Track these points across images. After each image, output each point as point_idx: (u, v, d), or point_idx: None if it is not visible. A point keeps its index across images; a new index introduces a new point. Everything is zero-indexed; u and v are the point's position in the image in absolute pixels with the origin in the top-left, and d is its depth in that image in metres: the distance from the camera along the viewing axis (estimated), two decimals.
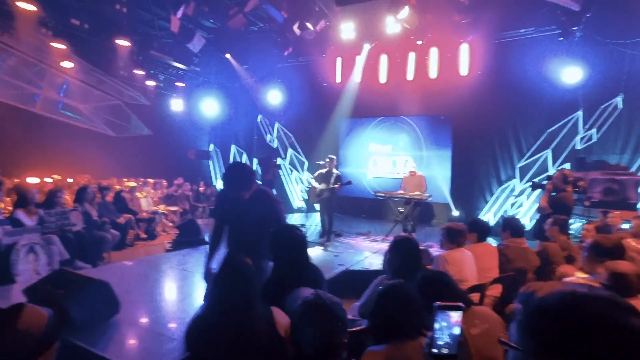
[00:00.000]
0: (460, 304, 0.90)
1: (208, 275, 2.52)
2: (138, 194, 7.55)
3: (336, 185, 6.74)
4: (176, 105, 10.65)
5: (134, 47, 8.31)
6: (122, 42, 7.93)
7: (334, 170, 6.89)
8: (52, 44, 7.37)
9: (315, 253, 5.71)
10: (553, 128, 7.81)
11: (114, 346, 2.62)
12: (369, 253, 5.82)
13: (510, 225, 3.28)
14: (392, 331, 1.38)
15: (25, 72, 8.10)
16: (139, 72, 9.05)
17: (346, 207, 9.87)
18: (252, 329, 1.54)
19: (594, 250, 2.32)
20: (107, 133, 9.72)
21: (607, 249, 2.29)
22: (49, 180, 7.75)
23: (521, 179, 8.22)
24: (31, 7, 6.27)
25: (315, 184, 6.87)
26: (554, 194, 4.28)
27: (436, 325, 0.89)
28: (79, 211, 5.13)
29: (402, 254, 2.12)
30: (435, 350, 0.89)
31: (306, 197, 7.84)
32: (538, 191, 7.64)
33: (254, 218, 2.45)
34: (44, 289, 2.74)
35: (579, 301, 0.59)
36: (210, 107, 11.06)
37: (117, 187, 7.84)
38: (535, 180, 5.93)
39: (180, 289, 4.01)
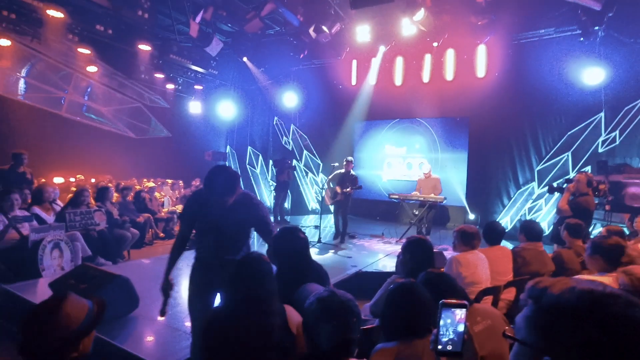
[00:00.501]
0: (465, 302, 0.93)
1: (167, 286, 2.31)
2: (157, 194, 7.75)
3: (348, 190, 6.76)
4: (194, 107, 10.90)
5: (155, 51, 8.56)
6: (144, 47, 8.18)
7: (352, 172, 6.93)
8: (78, 49, 7.68)
9: (328, 254, 5.75)
10: (574, 130, 7.62)
11: (133, 340, 2.72)
12: (382, 255, 5.82)
13: (526, 229, 3.24)
14: (402, 329, 1.40)
15: (52, 76, 8.46)
16: (159, 75, 9.32)
17: (360, 209, 9.87)
18: (268, 326, 1.58)
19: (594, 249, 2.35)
20: (128, 135, 10.01)
21: (605, 247, 2.31)
22: (72, 180, 8.06)
23: (540, 183, 8.05)
24: (59, 14, 6.55)
25: (331, 187, 6.93)
26: (573, 197, 4.19)
27: (441, 323, 0.92)
28: (102, 211, 5.32)
29: (415, 254, 2.14)
30: (440, 347, 0.91)
31: (320, 199, 7.89)
32: (556, 195, 7.49)
33: (236, 223, 2.29)
34: (68, 283, 2.87)
35: (597, 300, 0.59)
36: (227, 109, 11.26)
37: (137, 187, 8.07)
38: (554, 184, 5.80)
39: None
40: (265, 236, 2.43)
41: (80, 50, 7.77)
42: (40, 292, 3.40)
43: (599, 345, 0.55)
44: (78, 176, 8.18)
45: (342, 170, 6.93)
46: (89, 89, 9.35)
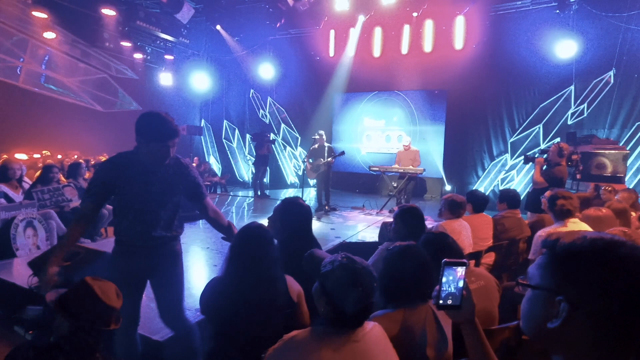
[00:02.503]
0: (465, 260, 0.99)
1: (51, 274, 1.74)
2: None
3: (330, 159, 6.80)
4: (165, 79, 10.38)
5: (120, 17, 7.99)
6: (107, 12, 7.61)
7: (325, 144, 6.95)
8: (32, 12, 7.03)
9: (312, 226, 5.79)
10: (545, 103, 7.88)
11: None
12: (364, 226, 5.94)
13: (507, 197, 3.39)
14: (408, 294, 1.45)
15: (4, 42, 7.76)
16: (126, 43, 8.75)
17: (340, 182, 9.95)
18: (273, 292, 1.60)
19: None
20: (95, 108, 9.48)
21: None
22: (37, 156, 7.59)
23: (512, 154, 8.36)
24: None
25: (311, 162, 6.94)
26: (546, 167, 4.39)
27: (443, 280, 0.98)
28: (71, 186, 5.07)
29: (408, 222, 2.20)
30: (441, 302, 0.99)
31: (301, 173, 7.88)
32: (529, 166, 7.82)
33: (167, 189, 1.97)
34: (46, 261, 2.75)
35: (607, 244, 0.65)
36: (201, 81, 10.81)
37: None
38: (528, 154, 6.04)
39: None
40: (198, 201, 2.13)
41: (35, 13, 7.13)
42: (17, 271, 3.25)
43: (610, 282, 0.62)
44: (44, 152, 7.72)
45: (316, 145, 6.97)
46: (46, 58, 8.68)
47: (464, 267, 0.99)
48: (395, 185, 7.23)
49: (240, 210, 7.34)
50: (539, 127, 7.99)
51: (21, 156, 7.26)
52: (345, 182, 10.12)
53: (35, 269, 2.79)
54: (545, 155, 4.50)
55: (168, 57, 10.11)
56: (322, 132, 7.13)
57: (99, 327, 1.28)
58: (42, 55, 8.56)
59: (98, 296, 1.28)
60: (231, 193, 9.74)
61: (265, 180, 9.50)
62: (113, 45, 8.76)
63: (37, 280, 2.80)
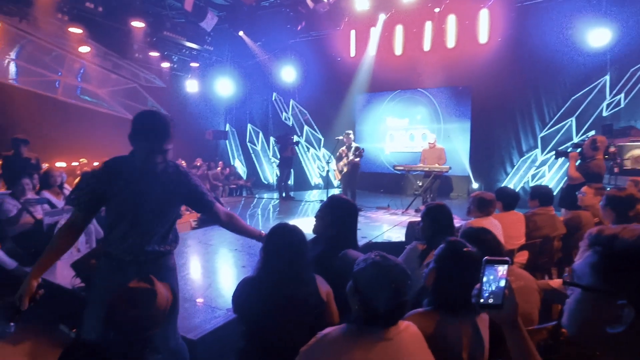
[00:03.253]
0: (507, 259, 0.96)
1: (27, 292, 1.65)
2: None
3: (353, 157, 6.80)
4: (191, 86, 10.71)
5: (147, 28, 8.32)
6: (136, 24, 7.94)
7: (353, 144, 6.94)
8: (69, 29, 7.44)
9: None
10: (578, 95, 7.55)
11: None
12: (389, 226, 5.88)
13: (539, 194, 3.28)
14: (454, 301, 1.37)
15: (43, 58, 8.24)
16: (154, 53, 9.10)
17: (364, 182, 9.90)
18: (304, 293, 1.63)
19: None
20: (126, 116, 9.88)
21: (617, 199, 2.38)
22: (75, 164, 8.01)
23: (543, 150, 8.06)
24: None
25: (338, 163, 6.98)
26: (580, 162, 4.21)
27: (484, 278, 0.96)
28: None
29: (436, 220, 2.16)
30: (482, 300, 0.96)
31: (325, 174, 7.91)
32: (561, 161, 7.51)
33: (163, 198, 1.79)
34: (90, 263, 2.90)
35: None
36: (225, 86, 11.07)
37: None
38: (560, 148, 5.81)
39: (210, 263, 4.18)
40: (207, 209, 1.96)
41: (71, 29, 7.53)
42: (61, 273, 3.45)
43: None
44: (81, 160, 8.13)
45: (343, 146, 6.96)
46: (82, 71, 9.14)
47: (506, 266, 0.95)
48: (420, 184, 7.13)
49: (266, 212, 7.45)
50: (572, 120, 7.67)
51: (61, 164, 7.70)
52: (369, 182, 10.07)
53: (77, 270, 2.96)
54: (579, 150, 4.32)
55: (193, 64, 10.43)
56: (349, 131, 7.10)
57: (146, 332, 1.28)
58: (77, 68, 9.04)
59: (144, 303, 1.27)
60: (256, 195, 9.91)
61: (289, 182, 9.61)
62: (142, 55, 9.15)
63: (79, 280, 2.96)
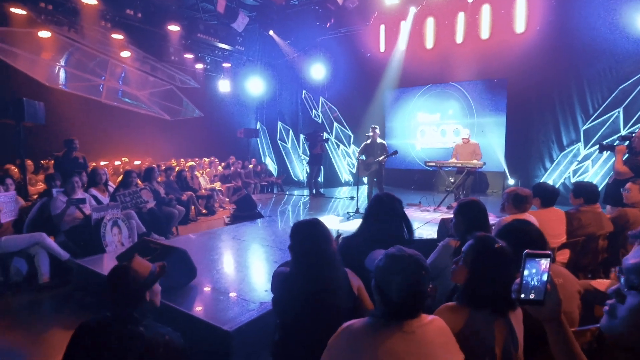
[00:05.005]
0: (549, 252, 0.92)
1: None
2: (197, 173, 8.05)
3: (382, 158, 6.71)
4: (223, 86, 11.02)
5: (182, 31, 8.65)
6: (172, 28, 8.28)
7: (378, 140, 6.85)
8: (111, 35, 7.88)
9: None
10: (626, 84, 7.05)
11: (196, 306, 2.94)
12: (421, 223, 5.80)
13: (584, 192, 3.10)
14: (485, 298, 1.34)
15: (89, 64, 8.78)
16: (188, 56, 9.45)
17: (394, 179, 9.80)
18: (335, 287, 1.67)
19: None
20: (163, 117, 10.33)
21: None
22: (118, 163, 8.49)
23: (586, 143, 7.61)
24: (92, 1, 6.70)
25: (362, 159, 6.91)
26: (628, 155, 3.95)
27: (525, 272, 0.92)
28: (147, 189, 5.61)
29: (469, 216, 2.10)
30: (522, 296, 0.93)
31: (355, 171, 7.89)
32: (605, 155, 7.07)
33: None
34: (133, 256, 3.09)
35: None
36: (256, 85, 11.30)
37: (176, 166, 8.40)
38: (606, 141, 5.46)
39: (243, 258, 4.31)
40: None
41: (114, 36, 7.97)
42: (107, 264, 3.70)
43: None
44: (123, 159, 8.60)
45: (368, 141, 6.88)
46: (123, 74, 9.65)
47: (548, 259, 0.91)
48: (452, 180, 6.95)
49: (296, 209, 7.56)
50: (619, 112, 7.18)
51: (104, 163, 8.19)
52: (400, 179, 9.94)
53: (122, 262, 3.16)
54: (627, 142, 4.05)
55: (226, 65, 10.72)
56: (375, 127, 7.00)
57: (137, 302, 1.47)
58: (119, 72, 9.55)
59: (129, 275, 1.49)
60: (287, 192, 10.06)
61: (319, 179, 9.68)
62: (177, 58, 9.53)
63: None
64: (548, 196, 2.95)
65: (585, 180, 7.38)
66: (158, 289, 1.62)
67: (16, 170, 5.64)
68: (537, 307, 0.94)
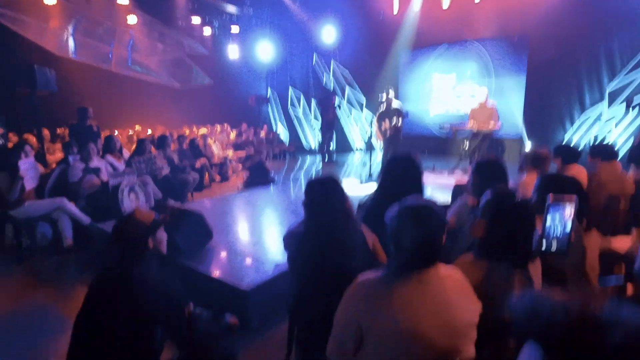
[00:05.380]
0: (574, 195, 0.87)
1: None
2: (209, 141, 8.06)
3: (397, 122, 6.56)
4: (232, 52, 10.76)
5: None
6: None
7: (394, 104, 6.66)
8: (117, 1, 7.68)
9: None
10: None
11: (214, 267, 3.03)
12: (433, 188, 5.75)
13: (599, 151, 2.99)
14: (503, 250, 1.31)
15: (97, 31, 8.65)
16: (196, 20, 9.21)
17: (408, 145, 9.57)
18: (350, 243, 1.67)
19: None
20: (173, 85, 10.24)
21: None
22: (131, 132, 8.55)
23: (610, 104, 7.26)
24: None
25: (379, 125, 6.77)
26: None
27: (548, 221, 0.88)
28: (161, 156, 5.67)
29: (487, 175, 2.04)
30: (544, 247, 0.89)
31: (369, 136, 7.78)
32: (632, 116, 6.77)
33: None
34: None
35: None
36: (265, 50, 11.00)
37: (189, 134, 8.41)
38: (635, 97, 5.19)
39: (257, 222, 4.39)
40: None
41: (119, 1, 7.77)
42: None
43: None
44: (137, 127, 8.65)
45: (383, 108, 6.71)
46: (131, 42, 9.50)
47: (573, 205, 0.87)
48: (467, 146, 6.79)
49: (309, 176, 7.57)
50: None
51: (117, 133, 8.25)
52: (413, 145, 9.69)
53: None
54: None
55: (234, 28, 10.41)
56: (390, 89, 6.76)
57: (138, 248, 1.55)
58: (127, 40, 9.40)
59: (132, 222, 1.56)
60: (299, 159, 10.05)
61: (332, 146, 9.60)
62: (185, 23, 9.30)
63: None
64: (570, 153, 2.84)
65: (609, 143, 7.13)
66: (163, 237, 1.69)
67: (34, 139, 5.74)
68: (559, 259, 0.89)
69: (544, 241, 0.88)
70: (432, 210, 1.20)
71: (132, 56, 9.49)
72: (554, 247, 0.88)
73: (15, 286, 3.37)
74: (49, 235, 4.24)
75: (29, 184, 3.93)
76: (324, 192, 1.73)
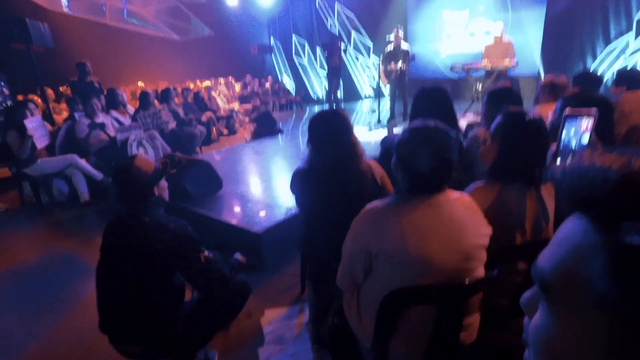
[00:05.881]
0: (594, 108, 0.81)
1: None
2: (214, 94, 7.90)
3: (403, 64, 6.24)
4: None
5: None
6: None
7: (402, 45, 6.30)
8: None
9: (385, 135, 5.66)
10: None
11: (225, 212, 3.08)
12: None
13: (627, 77, 2.79)
14: (514, 172, 1.28)
15: None
16: None
17: (416, 89, 9.30)
18: (356, 177, 1.65)
19: None
20: (172, 37, 9.86)
21: None
22: (135, 89, 8.40)
23: (637, 34, 6.75)
24: None
25: (385, 66, 6.45)
26: None
27: (563, 134, 0.82)
28: (167, 110, 5.60)
29: (500, 102, 1.95)
30: (560, 161, 0.84)
31: (377, 80, 7.48)
32: None
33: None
34: (135, 156, 3.19)
35: None
36: None
37: (193, 87, 8.24)
38: None
39: (266, 170, 4.40)
40: None
41: None
42: None
43: None
44: (139, 83, 8.49)
45: (390, 47, 6.34)
46: None
47: (592, 118, 0.80)
48: (481, 87, 6.50)
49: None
50: None
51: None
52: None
53: None
54: None
55: None
56: (399, 27, 6.33)
57: (142, 196, 1.54)
58: None
59: (134, 169, 1.53)
60: (307, 109, 9.86)
61: (339, 94, 9.33)
62: None
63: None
64: (590, 81, 2.67)
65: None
66: (164, 185, 1.68)
67: (39, 100, 5.69)
68: None
69: (559, 156, 0.82)
70: (444, 131, 1.15)
71: (127, 7, 9.06)
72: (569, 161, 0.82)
73: (39, 238, 3.52)
74: (66, 191, 4.35)
75: (40, 142, 3.95)
76: (327, 125, 1.68)
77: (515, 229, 1.30)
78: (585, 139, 0.81)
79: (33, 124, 3.90)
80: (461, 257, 1.16)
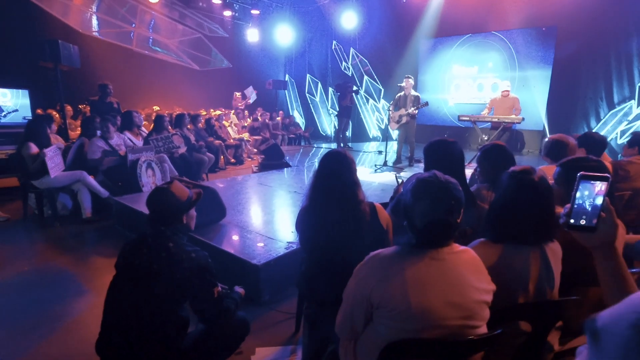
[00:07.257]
0: (607, 175, 0.83)
1: None
2: (225, 123, 8.11)
3: (412, 110, 6.43)
4: (252, 35, 10.73)
5: None
6: None
7: (412, 92, 6.54)
8: None
9: (390, 178, 5.73)
10: None
11: (226, 242, 3.07)
12: None
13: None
14: (517, 232, 1.30)
15: (119, 10, 8.72)
16: (216, 0, 9.17)
17: (425, 135, 9.48)
18: (356, 217, 1.66)
19: None
20: (192, 67, 10.29)
21: None
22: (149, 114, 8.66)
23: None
24: None
25: (394, 111, 6.65)
26: None
27: (577, 195, 0.84)
28: (178, 134, 5.74)
29: (496, 159, 1.99)
30: (572, 221, 0.85)
31: (384, 126, 7.67)
32: None
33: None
34: (172, 180, 3.22)
35: None
36: (284, 35, 10.93)
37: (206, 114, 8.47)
38: None
39: (270, 202, 4.41)
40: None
41: None
42: (144, 203, 3.90)
43: None
44: (155, 108, 8.76)
45: (401, 93, 6.57)
46: (152, 22, 9.55)
47: (605, 183, 0.81)
48: (486, 138, 6.64)
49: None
50: None
51: None
52: (430, 136, 9.54)
53: None
54: None
55: (254, 11, 10.35)
56: (409, 76, 6.60)
57: (171, 221, 1.57)
58: (148, 20, 9.45)
59: (170, 194, 1.57)
60: (315, 145, 10.03)
61: (347, 133, 9.53)
62: (205, 4, 9.28)
63: None
64: (595, 145, 2.73)
65: None
66: (193, 214, 1.71)
67: (57, 115, 5.88)
68: (587, 235, 0.85)
69: (572, 218, 0.84)
70: (451, 189, 1.14)
71: (153, 36, 9.56)
72: (581, 222, 0.84)
73: (35, 251, 3.50)
74: (69, 206, 4.37)
75: (53, 171, 3.94)
76: (331, 163, 1.73)
77: (518, 289, 1.29)
78: (599, 201, 0.83)
79: (51, 152, 3.98)
80: (463, 313, 1.14)
